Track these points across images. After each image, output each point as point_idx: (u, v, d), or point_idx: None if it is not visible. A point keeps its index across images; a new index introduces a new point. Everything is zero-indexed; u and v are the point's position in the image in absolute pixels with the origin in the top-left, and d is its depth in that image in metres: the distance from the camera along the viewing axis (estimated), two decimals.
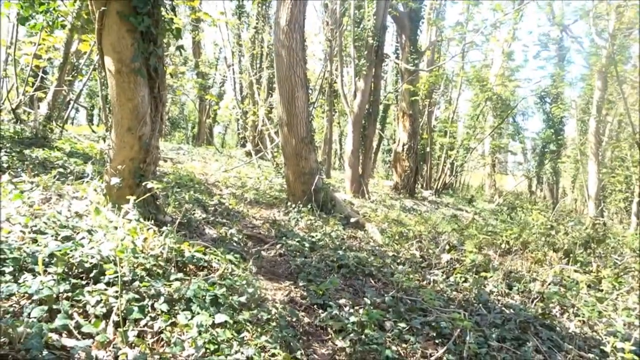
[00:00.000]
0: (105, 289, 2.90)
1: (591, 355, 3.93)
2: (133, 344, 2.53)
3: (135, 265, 3.38)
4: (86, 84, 14.38)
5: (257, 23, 21.59)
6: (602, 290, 5.94)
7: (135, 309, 2.83)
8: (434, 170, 21.66)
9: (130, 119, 4.81)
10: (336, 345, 3.48)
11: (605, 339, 4.15)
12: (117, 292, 2.87)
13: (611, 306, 5.31)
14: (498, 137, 26.12)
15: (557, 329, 4.52)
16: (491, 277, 5.81)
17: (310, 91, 16.18)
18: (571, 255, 7.25)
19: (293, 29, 8.07)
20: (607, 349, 3.67)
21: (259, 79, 21.22)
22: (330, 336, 3.62)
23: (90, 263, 3.18)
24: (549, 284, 5.88)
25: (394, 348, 3.48)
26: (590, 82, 22.36)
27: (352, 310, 3.91)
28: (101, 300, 2.81)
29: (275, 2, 8.56)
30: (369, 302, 4.15)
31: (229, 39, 20.84)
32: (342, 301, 4.21)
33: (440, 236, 8.07)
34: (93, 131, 14.83)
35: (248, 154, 18.95)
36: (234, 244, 5.31)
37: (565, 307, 5.16)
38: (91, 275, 3.11)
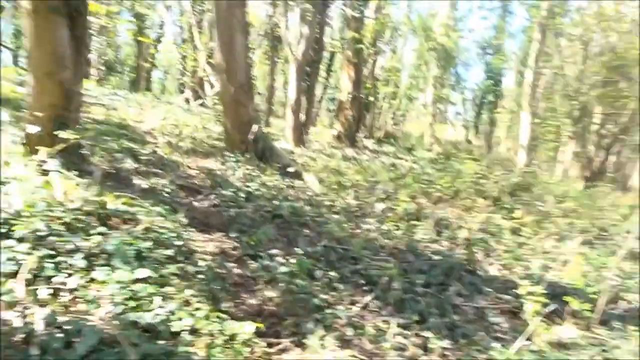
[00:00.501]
0: (15, 245, 2.74)
1: (508, 297, 4.20)
2: (44, 303, 2.43)
3: (51, 219, 3.20)
4: (9, 22, 13.18)
5: None
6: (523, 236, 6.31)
7: (50, 265, 2.70)
8: (377, 120, 21.82)
9: (49, 62, 4.54)
10: (265, 295, 3.51)
11: (521, 282, 4.41)
12: (29, 248, 2.72)
13: (530, 250, 5.67)
14: (440, 88, 26.47)
15: (480, 273, 4.77)
16: (422, 225, 6.02)
17: (252, 36, 15.64)
18: (498, 202, 7.60)
19: None
20: (521, 291, 3.90)
21: (200, 22, 20.17)
22: (260, 287, 3.64)
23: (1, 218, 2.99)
24: (476, 231, 6.17)
25: (322, 296, 3.55)
26: (530, 34, 22.79)
27: (283, 261, 3.95)
28: (12, 258, 2.66)
29: None
30: (301, 251, 4.20)
31: None
32: (273, 251, 4.23)
33: (377, 185, 8.21)
34: (19, 74, 13.73)
35: (187, 101, 18.28)
36: (165, 195, 5.16)
37: (488, 252, 5.45)
38: (1, 231, 2.93)
